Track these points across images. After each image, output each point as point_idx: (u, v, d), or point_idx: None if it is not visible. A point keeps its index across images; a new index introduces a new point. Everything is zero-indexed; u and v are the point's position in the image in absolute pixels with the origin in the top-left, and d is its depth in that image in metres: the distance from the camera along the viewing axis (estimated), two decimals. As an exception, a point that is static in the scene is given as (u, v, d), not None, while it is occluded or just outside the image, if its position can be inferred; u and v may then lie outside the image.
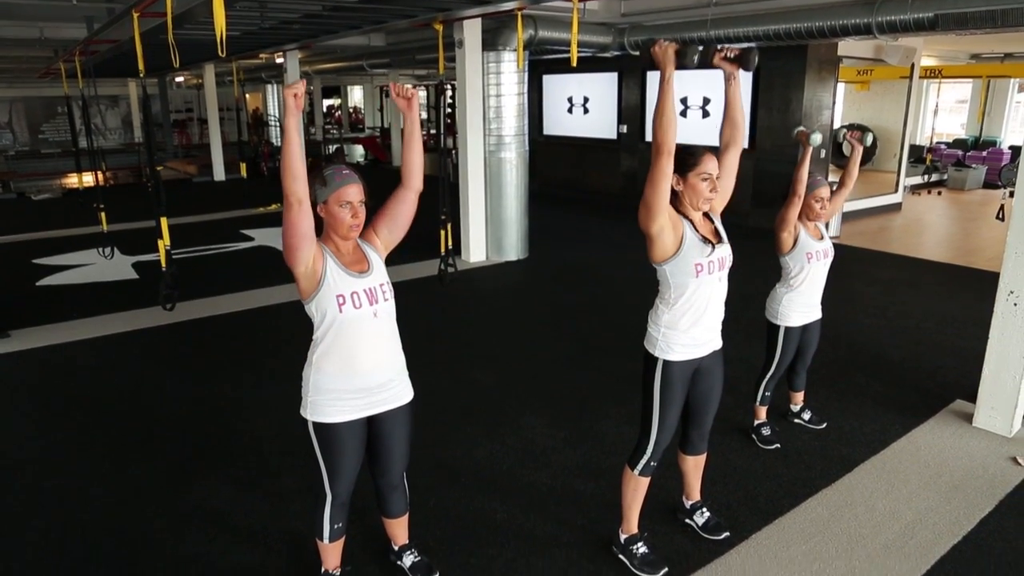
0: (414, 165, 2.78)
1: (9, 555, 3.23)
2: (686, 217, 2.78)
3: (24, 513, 3.56)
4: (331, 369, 2.54)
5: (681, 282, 2.80)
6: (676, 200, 2.77)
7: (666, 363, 2.87)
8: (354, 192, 2.48)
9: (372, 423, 2.67)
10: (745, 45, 2.99)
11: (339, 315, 2.49)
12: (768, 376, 4.09)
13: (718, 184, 2.80)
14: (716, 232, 2.88)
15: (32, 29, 10.11)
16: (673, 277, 2.80)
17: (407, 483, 2.90)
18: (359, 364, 2.55)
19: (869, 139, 3.87)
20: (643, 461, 2.99)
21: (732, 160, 2.95)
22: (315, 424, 2.59)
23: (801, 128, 3.81)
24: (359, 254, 2.61)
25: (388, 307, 2.61)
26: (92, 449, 4.20)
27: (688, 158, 2.73)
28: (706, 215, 2.89)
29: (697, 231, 2.78)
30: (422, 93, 28.02)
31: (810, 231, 3.88)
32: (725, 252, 2.86)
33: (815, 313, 4.02)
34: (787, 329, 3.96)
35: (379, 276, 2.59)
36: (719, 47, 2.80)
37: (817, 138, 3.58)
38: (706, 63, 2.79)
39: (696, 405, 3.06)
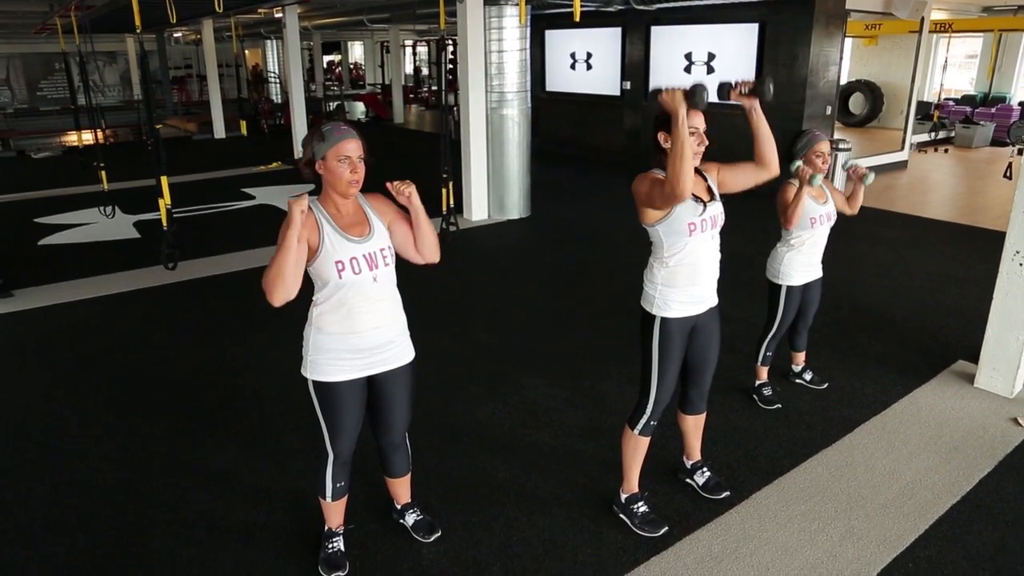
0: (427, 246, 2.68)
1: (17, 513, 3.27)
2: None
3: (31, 472, 3.59)
4: (331, 329, 2.54)
5: (675, 241, 2.79)
6: (664, 159, 2.70)
7: (664, 320, 2.87)
8: (352, 147, 2.44)
9: (373, 383, 2.68)
10: (752, 79, 2.93)
11: (338, 280, 2.47)
12: (770, 336, 4.08)
13: (706, 139, 2.74)
14: (709, 190, 2.86)
15: (27, -17, 9.96)
16: (667, 237, 2.80)
17: (409, 443, 2.92)
18: (359, 325, 2.55)
19: (871, 179, 3.85)
20: (643, 420, 3.00)
21: (754, 180, 2.97)
22: (315, 383, 2.60)
23: (853, 163, 3.77)
24: (360, 215, 2.57)
25: (388, 271, 2.59)
26: (96, 408, 4.23)
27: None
28: (698, 171, 2.85)
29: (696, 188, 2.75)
30: (422, 49, 27.73)
31: (813, 192, 3.82)
32: (717, 210, 2.85)
33: (816, 272, 4.00)
34: (788, 288, 3.95)
35: (380, 240, 2.56)
36: (732, 84, 2.78)
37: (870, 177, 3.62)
38: (725, 98, 2.81)
39: (694, 363, 3.06)
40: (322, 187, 2.52)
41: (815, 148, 3.76)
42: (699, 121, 2.69)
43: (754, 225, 5.12)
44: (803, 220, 3.80)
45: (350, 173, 2.44)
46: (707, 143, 2.75)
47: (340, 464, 2.74)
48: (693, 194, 2.75)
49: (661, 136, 2.73)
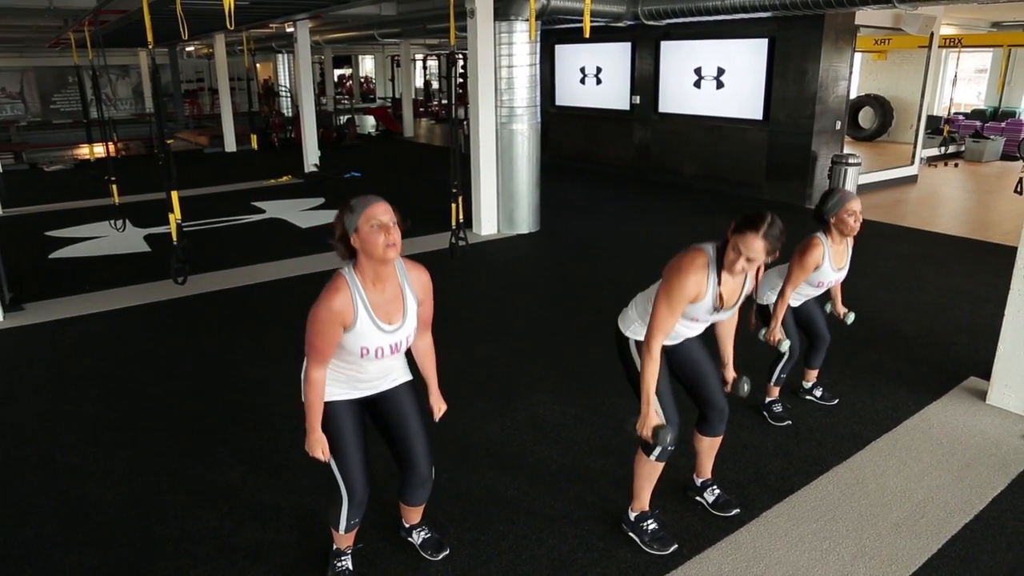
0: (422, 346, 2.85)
1: (25, 528, 3.27)
2: (719, 273, 2.76)
3: (39, 487, 3.60)
4: (335, 373, 2.58)
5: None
6: (723, 253, 2.73)
7: (637, 341, 2.93)
8: (382, 211, 2.36)
9: (375, 408, 2.70)
10: (733, 376, 3.07)
11: (358, 357, 2.51)
12: (783, 362, 4.02)
13: (753, 269, 2.75)
14: (735, 293, 2.87)
15: (41, -1, 10.06)
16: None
17: (433, 476, 2.85)
18: (365, 376, 2.61)
19: (851, 318, 3.90)
20: (659, 448, 2.98)
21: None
22: None
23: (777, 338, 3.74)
24: (397, 293, 2.52)
25: (405, 349, 2.63)
26: (105, 423, 4.24)
27: (749, 227, 2.63)
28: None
29: (718, 294, 2.79)
30: (432, 63, 27.87)
31: (835, 256, 3.76)
32: (726, 316, 2.92)
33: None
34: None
35: (408, 327, 2.55)
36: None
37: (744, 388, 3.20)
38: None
39: (688, 380, 3.09)
40: (358, 260, 2.45)
41: (847, 207, 3.65)
42: (755, 253, 2.64)
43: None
44: (812, 279, 3.78)
45: (385, 237, 2.35)
46: (762, 268, 2.78)
47: (355, 505, 2.70)
48: (715, 300, 2.79)
49: (732, 241, 2.68)
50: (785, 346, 3.56)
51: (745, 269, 2.69)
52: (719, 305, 2.82)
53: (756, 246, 2.61)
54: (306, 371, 2.51)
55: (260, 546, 3.12)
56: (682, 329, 2.91)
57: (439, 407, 2.85)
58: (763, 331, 3.80)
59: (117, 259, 7.79)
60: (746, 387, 3.05)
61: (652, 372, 2.77)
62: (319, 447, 2.55)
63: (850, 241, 3.85)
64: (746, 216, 2.66)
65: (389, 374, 2.68)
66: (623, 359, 3.04)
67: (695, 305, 2.78)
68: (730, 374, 3.15)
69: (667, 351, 2.92)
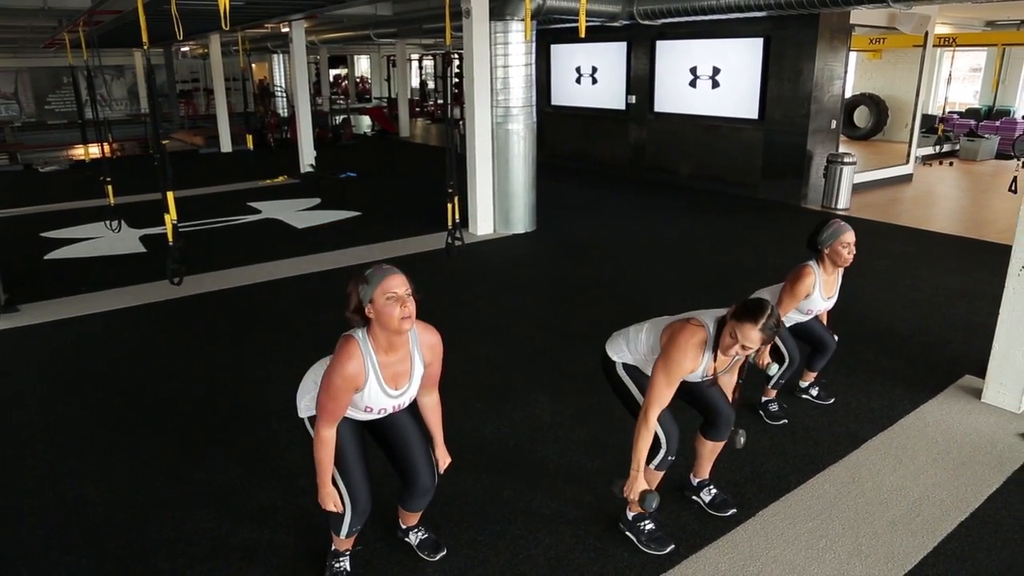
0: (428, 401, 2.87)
1: (22, 530, 3.26)
2: (715, 351, 2.80)
3: (35, 488, 3.59)
4: None
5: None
6: (721, 333, 2.77)
7: (625, 364, 3.06)
8: (398, 283, 2.38)
9: (375, 424, 2.73)
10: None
11: (361, 410, 2.57)
12: (783, 369, 3.99)
13: (745, 355, 2.83)
14: (726, 363, 2.92)
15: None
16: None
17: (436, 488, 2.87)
18: (367, 415, 2.66)
19: (772, 369, 3.59)
20: (660, 456, 3.00)
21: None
22: (311, 418, 2.64)
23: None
24: (406, 364, 2.56)
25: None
26: (101, 424, 4.23)
27: (748, 317, 2.67)
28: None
29: (711, 368, 2.86)
30: (428, 63, 27.87)
31: (826, 286, 3.79)
32: (712, 382, 2.98)
33: None
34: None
35: (412, 390, 2.61)
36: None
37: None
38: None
39: (698, 398, 3.11)
40: (371, 328, 2.46)
41: (841, 239, 3.67)
42: (752, 342, 2.68)
43: (756, 237, 5.11)
44: (801, 307, 3.80)
45: (400, 309, 2.37)
46: (753, 354, 2.91)
47: (359, 513, 2.71)
48: (708, 372, 2.89)
49: (730, 327, 2.71)
50: (773, 370, 3.56)
51: (739, 355, 2.78)
52: (710, 376, 2.91)
53: (753, 337, 2.66)
54: (317, 429, 2.53)
55: (257, 546, 3.12)
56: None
57: (444, 460, 2.88)
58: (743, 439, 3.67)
59: (113, 260, 7.78)
60: (742, 440, 3.07)
61: (646, 441, 2.83)
62: (331, 500, 2.61)
63: (841, 271, 3.87)
64: (747, 306, 2.70)
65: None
66: (611, 380, 3.16)
67: (687, 376, 2.87)
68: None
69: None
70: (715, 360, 2.83)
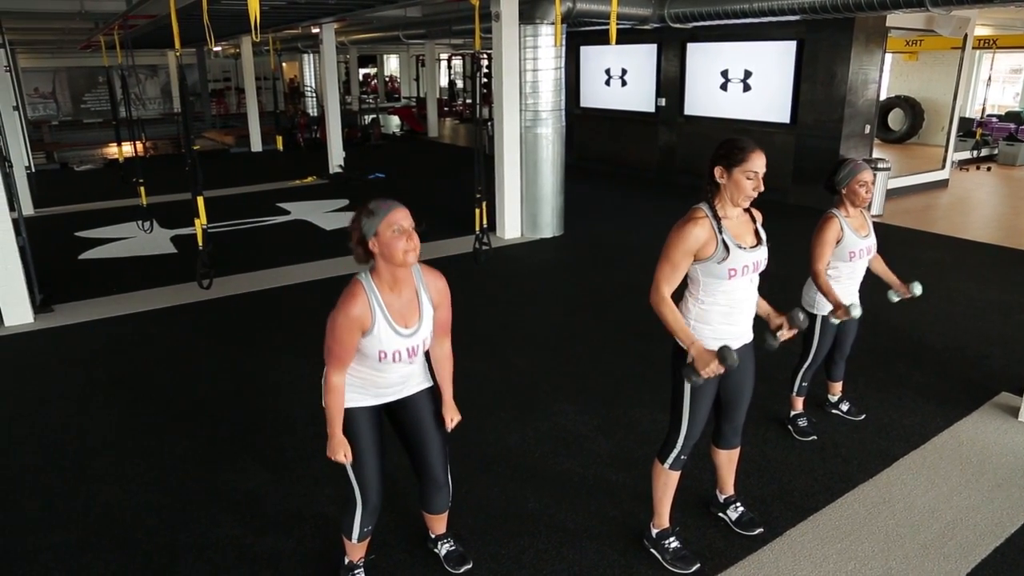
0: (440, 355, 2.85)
1: (51, 533, 3.31)
2: (719, 220, 2.70)
3: (66, 491, 3.64)
4: (354, 379, 2.59)
5: (711, 282, 2.75)
6: (716, 194, 2.70)
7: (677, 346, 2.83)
8: (403, 216, 2.39)
9: (394, 415, 2.72)
10: (784, 319, 2.96)
11: (378, 362, 2.52)
12: (805, 367, 4.00)
13: (762, 185, 2.70)
14: (756, 233, 2.81)
15: (73, 2, 10.23)
16: (704, 277, 2.75)
17: (451, 481, 2.88)
18: (384, 381, 2.62)
19: (918, 288, 3.70)
20: (673, 455, 2.96)
21: None
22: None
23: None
24: (413, 297, 2.54)
25: (423, 353, 2.63)
26: (130, 427, 4.28)
27: (736, 152, 2.65)
28: (748, 211, 2.81)
29: (733, 239, 2.70)
30: (457, 61, 27.91)
31: (855, 225, 3.73)
32: (761, 256, 2.79)
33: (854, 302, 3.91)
34: (824, 318, 3.86)
35: (425, 330, 2.57)
36: (774, 338, 2.84)
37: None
38: (773, 348, 2.88)
39: (728, 398, 3.01)
40: (375, 264, 2.47)
41: (857, 178, 3.66)
42: (759, 165, 2.65)
43: (791, 246, 5.03)
44: (842, 253, 3.71)
45: (406, 242, 2.38)
46: (762, 188, 2.70)
47: (369, 511, 2.72)
48: (738, 243, 2.71)
49: (717, 171, 2.68)
50: (856, 311, 3.54)
51: (757, 188, 2.66)
52: (744, 245, 2.72)
53: (759, 159, 2.64)
54: (326, 376, 2.53)
55: (281, 555, 3.13)
56: (734, 290, 2.77)
57: (452, 417, 2.82)
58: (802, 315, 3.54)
59: (144, 260, 7.88)
60: (773, 342, 2.91)
61: (674, 313, 2.71)
62: (341, 450, 2.57)
63: (867, 210, 3.83)
64: (728, 148, 2.67)
65: (409, 380, 2.69)
66: (672, 372, 2.91)
67: (719, 257, 2.68)
68: (774, 322, 2.93)
69: (724, 375, 2.75)
70: (721, 230, 2.68)
